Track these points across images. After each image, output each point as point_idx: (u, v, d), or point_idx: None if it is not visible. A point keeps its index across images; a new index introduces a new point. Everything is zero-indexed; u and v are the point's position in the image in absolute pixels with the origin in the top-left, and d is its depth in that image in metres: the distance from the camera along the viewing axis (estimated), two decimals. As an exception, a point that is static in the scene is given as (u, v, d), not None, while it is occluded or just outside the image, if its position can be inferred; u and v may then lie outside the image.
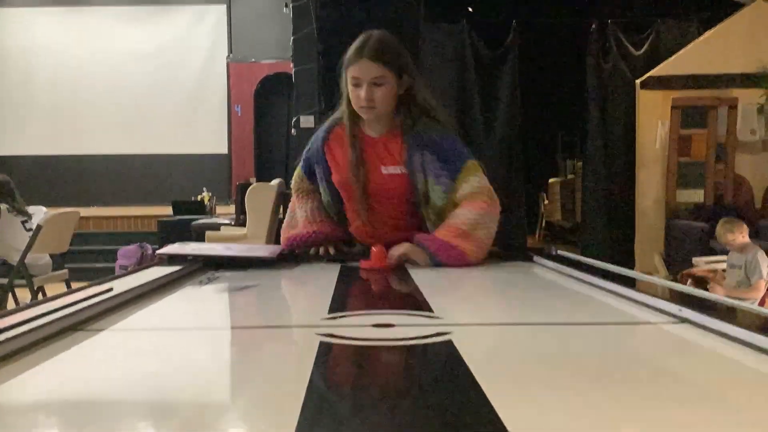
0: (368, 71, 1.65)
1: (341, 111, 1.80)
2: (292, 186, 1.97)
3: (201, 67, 10.52)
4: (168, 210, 7.75)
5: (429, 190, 1.71)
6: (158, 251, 1.66)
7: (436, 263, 1.57)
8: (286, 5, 6.58)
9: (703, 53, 5.98)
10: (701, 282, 3.94)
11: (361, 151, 1.76)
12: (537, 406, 0.61)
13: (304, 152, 1.92)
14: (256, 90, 10.29)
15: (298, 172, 1.95)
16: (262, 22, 10.01)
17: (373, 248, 1.54)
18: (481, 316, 1.14)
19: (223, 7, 10.58)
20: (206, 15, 10.63)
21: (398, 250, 1.58)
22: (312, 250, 1.82)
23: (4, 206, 4.51)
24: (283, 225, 1.95)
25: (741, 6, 6.15)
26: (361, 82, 1.66)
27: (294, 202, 1.94)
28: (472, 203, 1.66)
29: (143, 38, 10.30)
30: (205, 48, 10.55)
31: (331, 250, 1.80)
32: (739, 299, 3.51)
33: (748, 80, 5.92)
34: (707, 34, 6.12)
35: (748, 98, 5.96)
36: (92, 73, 10.17)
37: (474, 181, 1.69)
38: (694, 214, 5.91)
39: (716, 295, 1.05)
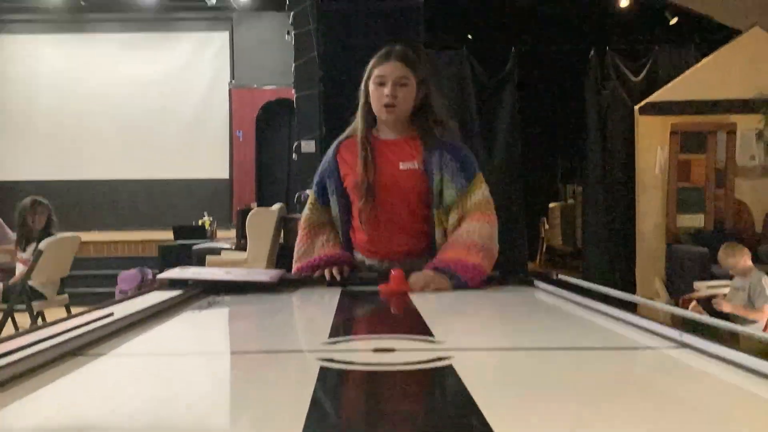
0: (394, 70, 1.75)
1: (354, 124, 1.87)
2: (303, 217, 1.97)
3: (203, 92, 10.60)
4: (169, 234, 7.75)
5: (444, 188, 1.77)
6: (159, 276, 1.66)
7: (459, 285, 1.60)
8: (288, 32, 6.66)
9: (702, 79, 6.03)
10: (706, 303, 3.94)
11: (375, 151, 1.82)
12: (537, 431, 0.61)
13: (315, 177, 1.94)
14: (258, 115, 10.35)
15: (311, 200, 1.96)
16: (265, 49, 10.11)
17: (393, 271, 1.54)
18: (482, 340, 1.13)
19: (226, 34, 10.70)
20: (209, 42, 10.74)
21: (419, 281, 1.58)
22: (317, 273, 1.81)
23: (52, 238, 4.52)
24: (296, 255, 1.92)
25: (739, 32, 6.23)
26: (386, 81, 1.75)
27: (305, 235, 1.91)
28: (484, 215, 1.75)
29: (146, 65, 10.40)
30: (207, 74, 10.65)
31: (336, 273, 1.78)
32: (744, 319, 3.50)
33: (746, 106, 5.96)
34: (705, 60, 6.18)
35: (746, 124, 6.00)
36: (94, 98, 10.24)
37: (485, 192, 1.79)
38: (694, 239, 5.91)
39: (719, 316, 1.05)
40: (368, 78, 1.80)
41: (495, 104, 6.45)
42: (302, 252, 1.89)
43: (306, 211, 1.97)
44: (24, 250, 4.58)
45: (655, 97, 6.15)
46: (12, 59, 10.40)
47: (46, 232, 4.56)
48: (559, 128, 7.75)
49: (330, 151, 1.92)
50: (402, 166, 1.80)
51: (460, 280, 1.60)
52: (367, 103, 1.82)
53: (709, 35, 6.55)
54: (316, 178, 1.94)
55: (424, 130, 1.81)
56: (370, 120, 1.84)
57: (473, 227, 1.72)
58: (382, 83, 1.76)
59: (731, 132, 6.05)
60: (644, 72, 6.46)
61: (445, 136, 1.82)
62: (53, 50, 10.41)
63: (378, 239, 1.83)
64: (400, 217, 1.81)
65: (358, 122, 1.86)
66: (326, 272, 1.80)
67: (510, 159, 6.43)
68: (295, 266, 1.90)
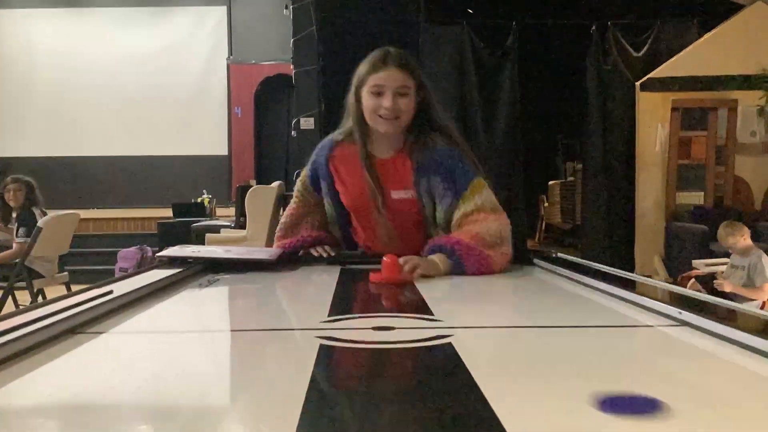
0: (394, 79, 1.61)
1: (346, 130, 1.75)
2: (296, 191, 1.91)
3: (201, 68, 10.52)
4: (168, 212, 7.75)
5: (436, 212, 1.69)
6: (158, 254, 1.66)
7: (459, 270, 1.48)
8: (287, 7, 6.58)
9: (703, 55, 5.98)
10: (705, 282, 3.95)
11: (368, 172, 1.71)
12: (537, 409, 0.61)
13: (309, 163, 1.86)
14: (256, 92, 10.29)
15: (303, 180, 1.88)
16: (263, 24, 10.01)
17: (385, 258, 1.36)
18: (481, 319, 1.14)
19: (224, 9, 10.59)
20: (207, 16, 10.63)
21: (409, 264, 1.43)
22: (312, 251, 1.80)
23: (37, 211, 4.56)
24: (279, 230, 1.89)
25: (741, 7, 6.16)
26: (385, 91, 1.60)
27: (295, 209, 1.87)
28: (488, 215, 1.61)
29: (143, 40, 10.31)
30: (205, 49, 10.56)
31: (330, 251, 1.78)
32: (743, 297, 3.53)
33: (748, 82, 5.92)
34: (707, 35, 6.12)
35: (748, 100, 5.96)
36: (92, 74, 10.17)
37: (481, 199, 1.63)
38: (694, 217, 5.91)
39: (719, 296, 1.05)
40: (360, 85, 1.64)
41: (495, 80, 6.40)
42: (288, 226, 1.85)
43: (299, 185, 1.90)
44: (6, 227, 4.62)
45: (656, 72, 6.11)
46: (8, 34, 10.31)
47: (26, 208, 4.57)
48: (560, 105, 7.71)
49: (323, 151, 1.80)
50: (394, 195, 1.70)
51: (459, 264, 1.48)
52: (360, 113, 1.67)
53: (711, 10, 6.48)
54: (310, 166, 1.86)
55: (416, 146, 1.67)
56: (365, 133, 1.70)
57: (475, 227, 1.58)
58: (379, 93, 1.61)
59: (732, 108, 6.02)
60: (646, 47, 6.40)
61: (439, 144, 1.67)
62: (49, 25, 10.31)
63: (378, 247, 1.79)
64: (398, 232, 1.77)
65: (354, 131, 1.72)
66: (314, 251, 1.78)
67: (510, 136, 6.40)
68: (276, 239, 1.87)
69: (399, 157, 1.71)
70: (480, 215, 1.61)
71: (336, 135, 1.80)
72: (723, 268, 4.07)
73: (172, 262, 1.56)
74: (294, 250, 1.80)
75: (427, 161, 1.67)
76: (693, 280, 4.01)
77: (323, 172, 1.81)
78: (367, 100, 1.64)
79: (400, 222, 1.76)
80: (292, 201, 1.92)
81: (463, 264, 1.49)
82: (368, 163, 1.70)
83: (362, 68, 1.65)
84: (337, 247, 1.84)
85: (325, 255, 1.77)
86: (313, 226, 1.86)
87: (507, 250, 1.58)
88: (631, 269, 5.60)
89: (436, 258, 1.51)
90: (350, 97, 1.69)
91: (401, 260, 1.41)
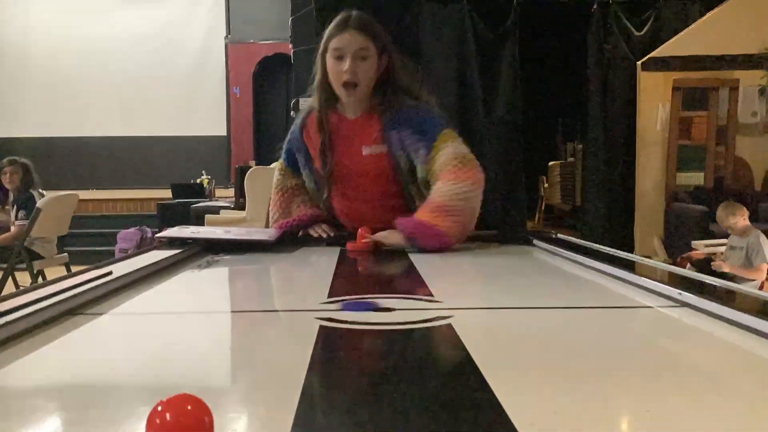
0: (353, 42, 1.62)
1: (314, 101, 1.76)
2: (274, 183, 1.92)
3: (199, 48, 10.44)
4: (167, 193, 7.74)
5: (412, 164, 1.70)
6: (158, 234, 1.66)
7: (417, 248, 1.50)
8: (285, -15, 6.52)
9: (705, 34, 5.93)
10: (702, 264, 3.96)
11: (338, 133, 1.74)
12: (536, 390, 0.61)
13: (285, 143, 1.88)
14: (255, 71, 10.22)
15: (279, 166, 1.91)
16: (261, 3, 9.92)
17: (360, 230, 1.55)
18: (481, 300, 1.14)
19: (221, -13, 10.49)
20: (204, -4, 10.53)
21: (375, 237, 1.54)
22: (311, 231, 1.80)
23: (35, 192, 4.56)
24: (271, 220, 1.90)
25: (744, -14, 6.10)
26: (345, 54, 1.62)
27: (279, 199, 1.88)
28: (450, 174, 1.60)
29: (141, 19, 10.21)
30: (202, 29, 10.46)
31: (323, 231, 1.79)
32: (742, 278, 3.54)
33: (749, 61, 5.88)
34: (709, 14, 6.06)
35: (749, 80, 5.93)
36: (90, 54, 10.09)
37: (454, 149, 1.64)
38: (693, 197, 5.91)
39: (718, 277, 1.05)
40: (324, 50, 1.67)
41: (495, 59, 6.35)
42: (279, 215, 1.86)
43: (277, 175, 1.92)
44: (3, 209, 4.63)
45: (658, 52, 6.06)
46: (5, 15, 10.21)
47: (24, 190, 4.56)
48: (561, 84, 7.66)
49: (297, 123, 1.84)
50: (365, 151, 1.72)
51: (413, 242, 1.51)
52: (325, 77, 1.70)
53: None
54: (285, 146, 1.88)
55: (384, 105, 1.70)
56: (330, 96, 1.72)
57: (442, 188, 1.59)
58: (340, 57, 1.63)
59: (734, 88, 5.99)
60: (647, 26, 6.35)
61: (408, 103, 1.71)
62: (47, 5, 10.21)
63: (353, 216, 1.80)
64: (371, 196, 1.77)
65: (317, 95, 1.74)
66: (313, 231, 1.79)
67: (510, 116, 6.36)
68: (272, 226, 1.87)
69: (368, 116, 1.73)
70: (443, 175, 1.61)
71: (308, 106, 1.81)
72: (722, 249, 4.07)
73: (171, 242, 1.56)
74: (292, 230, 1.81)
75: (395, 116, 1.69)
76: (689, 265, 4.01)
77: (298, 145, 1.83)
78: (331, 66, 1.66)
79: (374, 181, 1.75)
80: (274, 193, 1.91)
81: (421, 243, 1.51)
82: (323, 123, 1.73)
83: (326, 32, 1.68)
84: (335, 227, 1.84)
85: (324, 236, 1.77)
86: (305, 204, 1.85)
87: (470, 211, 1.58)
88: (631, 250, 5.61)
89: (397, 234, 1.54)
90: (317, 60, 1.71)
91: (376, 235, 1.53)
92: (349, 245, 1.56)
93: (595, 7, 6.33)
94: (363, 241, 1.54)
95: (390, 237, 1.54)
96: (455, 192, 1.57)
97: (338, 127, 1.75)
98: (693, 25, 6.07)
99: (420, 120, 1.69)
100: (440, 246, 1.52)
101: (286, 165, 1.89)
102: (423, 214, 1.56)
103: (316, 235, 1.78)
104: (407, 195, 1.74)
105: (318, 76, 1.72)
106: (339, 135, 1.75)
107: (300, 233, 1.81)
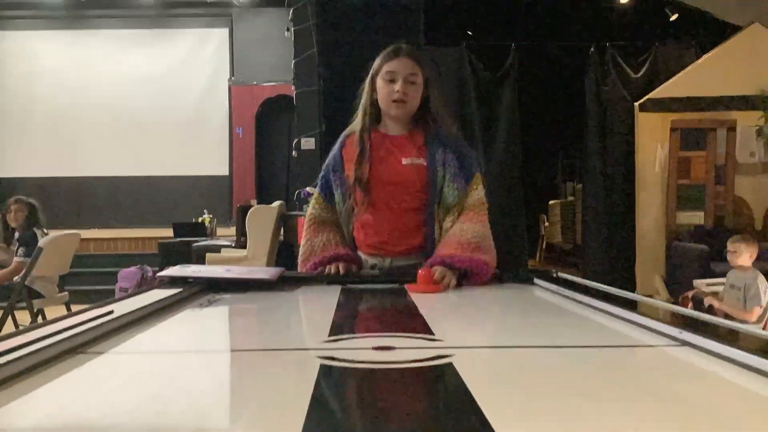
0: (405, 67, 1.78)
1: (358, 121, 1.88)
2: (308, 214, 1.97)
3: (203, 89, 10.59)
4: (169, 232, 7.73)
5: (444, 186, 1.79)
6: (159, 273, 1.66)
7: (469, 283, 1.63)
8: (288, 29, 6.65)
9: (702, 76, 6.03)
10: (699, 301, 3.92)
11: (380, 147, 1.83)
12: (538, 429, 0.61)
13: (320, 176, 1.96)
14: (258, 112, 10.34)
15: (315, 197, 1.97)
16: (264, 46, 10.09)
17: (421, 271, 1.56)
18: (482, 338, 1.14)
19: (225, 31, 10.68)
20: (209, 38, 10.73)
21: (438, 274, 1.59)
22: (318, 271, 1.81)
23: (38, 231, 4.58)
24: (301, 255, 1.92)
25: (739, 29, 6.22)
26: (397, 77, 1.77)
27: (311, 232, 1.91)
28: (477, 215, 1.76)
29: (146, 61, 10.39)
30: (207, 71, 10.63)
31: (334, 269, 1.79)
32: (731, 317, 3.49)
33: (746, 102, 5.96)
34: (705, 56, 6.17)
35: (746, 120, 5.99)
36: (94, 95, 10.23)
37: (480, 193, 1.81)
38: (694, 236, 5.91)
39: (716, 318, 1.05)
40: (376, 74, 1.82)
41: (495, 101, 6.45)
42: (307, 252, 1.89)
43: (310, 208, 1.98)
44: (8, 247, 4.63)
45: (655, 93, 6.15)
46: (11, 56, 10.39)
47: (28, 229, 4.57)
48: (559, 125, 7.75)
49: (336, 145, 1.93)
50: (405, 161, 1.81)
51: (472, 280, 1.64)
52: (371, 98, 1.84)
53: (710, 31, 6.54)
54: (320, 177, 1.96)
55: (427, 126, 1.84)
56: (375, 116, 1.86)
57: (466, 227, 1.74)
58: (392, 80, 1.78)
59: (731, 129, 6.05)
60: (644, 68, 6.46)
61: (451, 133, 1.85)
62: (52, 47, 10.40)
63: (374, 234, 1.83)
64: (399, 206, 1.81)
65: (364, 115, 1.87)
66: (332, 268, 1.81)
67: (510, 156, 6.42)
68: (300, 267, 1.90)
69: (409, 135, 1.86)
70: (473, 214, 1.77)
71: (348, 129, 1.92)
72: (721, 288, 4.04)
73: (172, 281, 1.56)
74: (315, 269, 1.83)
75: (438, 134, 1.83)
76: (691, 305, 3.97)
77: (336, 164, 1.90)
78: (382, 87, 1.80)
79: (406, 189, 1.80)
80: (306, 226, 1.95)
81: (476, 279, 1.66)
82: (365, 134, 1.84)
83: (377, 61, 1.83)
84: (352, 264, 1.84)
85: (333, 272, 1.78)
86: (329, 242, 1.87)
87: (493, 250, 1.76)
88: (632, 289, 5.59)
89: (450, 272, 1.64)
90: (365, 86, 1.85)
91: (436, 273, 1.59)
92: (411, 287, 1.55)
93: (592, 49, 6.44)
94: (433, 286, 1.55)
95: (448, 276, 1.62)
96: (477, 232, 1.73)
97: (381, 142, 1.85)
98: (689, 67, 6.17)
99: (464, 151, 1.84)
100: (484, 279, 1.67)
101: (320, 192, 1.95)
102: (474, 251, 1.68)
103: (327, 272, 1.79)
104: (428, 215, 1.80)
105: (364, 98, 1.86)
106: (380, 149, 1.84)
107: (318, 270, 1.82)
